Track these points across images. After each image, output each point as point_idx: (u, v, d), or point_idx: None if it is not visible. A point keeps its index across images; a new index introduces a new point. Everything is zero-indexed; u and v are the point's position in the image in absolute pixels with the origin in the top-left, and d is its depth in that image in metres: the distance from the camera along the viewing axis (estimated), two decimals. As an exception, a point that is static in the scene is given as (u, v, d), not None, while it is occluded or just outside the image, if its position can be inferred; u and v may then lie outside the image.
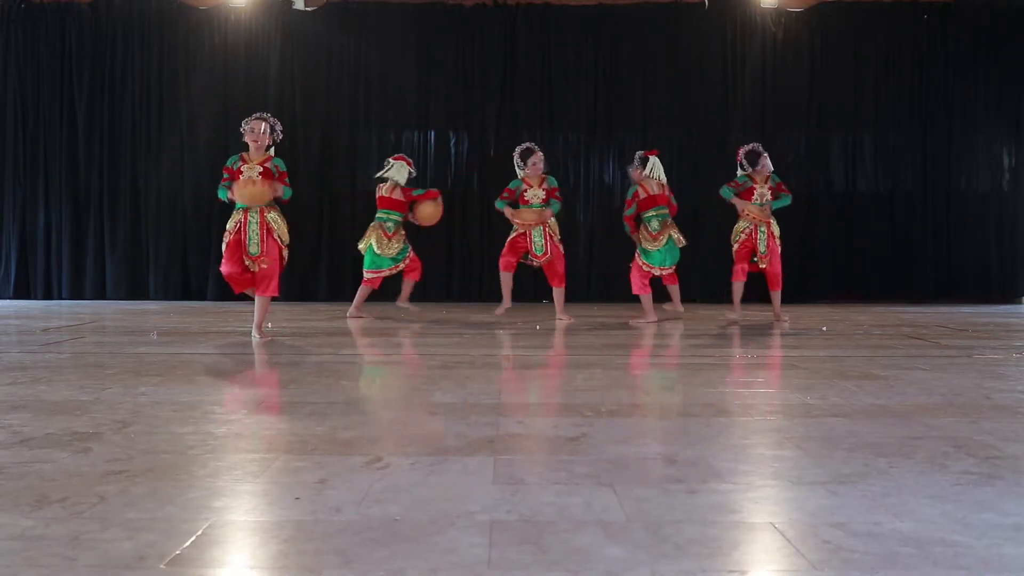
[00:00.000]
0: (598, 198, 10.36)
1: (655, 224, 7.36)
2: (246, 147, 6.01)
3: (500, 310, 7.57)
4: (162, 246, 10.15)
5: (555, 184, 7.62)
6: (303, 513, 2.09)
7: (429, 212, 7.82)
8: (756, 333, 6.74)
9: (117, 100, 10.17)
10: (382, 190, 7.79)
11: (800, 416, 3.33)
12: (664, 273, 7.47)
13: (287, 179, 5.91)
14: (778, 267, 7.30)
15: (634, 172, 7.68)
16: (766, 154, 7.39)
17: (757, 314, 8.01)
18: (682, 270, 10.17)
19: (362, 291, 7.81)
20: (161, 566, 1.76)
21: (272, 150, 6.04)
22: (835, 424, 3.15)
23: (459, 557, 1.81)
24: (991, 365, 4.80)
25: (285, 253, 5.97)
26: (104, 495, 2.22)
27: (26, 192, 10.17)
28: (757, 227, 7.23)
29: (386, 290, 8.39)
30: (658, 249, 7.34)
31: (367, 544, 1.88)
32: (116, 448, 2.73)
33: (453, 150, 10.39)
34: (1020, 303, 10.27)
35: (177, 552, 1.83)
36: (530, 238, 7.53)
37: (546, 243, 7.49)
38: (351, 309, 7.84)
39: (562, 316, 7.49)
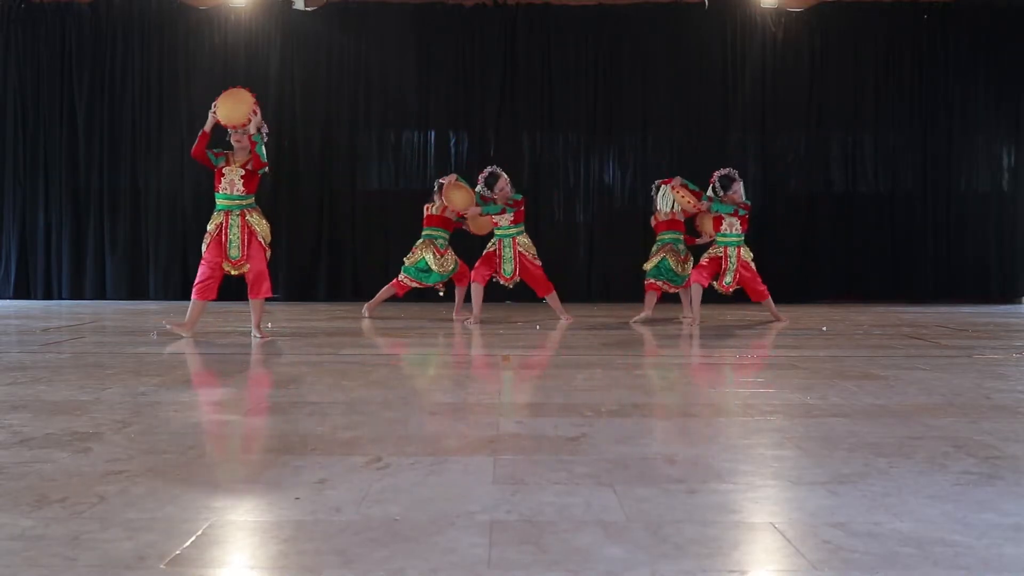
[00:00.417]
0: (598, 198, 10.36)
1: (681, 247, 7.71)
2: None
3: (473, 320, 7.23)
4: (162, 246, 10.16)
5: (518, 198, 7.45)
6: (303, 513, 2.09)
7: (460, 199, 7.59)
8: (756, 333, 6.74)
9: (117, 100, 10.17)
10: (431, 209, 7.75)
11: (800, 416, 3.33)
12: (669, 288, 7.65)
13: (261, 160, 5.89)
14: (757, 284, 7.30)
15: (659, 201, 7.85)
16: (741, 182, 7.46)
17: (757, 314, 8.01)
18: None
19: (386, 291, 7.80)
20: (161, 566, 1.76)
21: (261, 148, 5.94)
22: (835, 424, 3.15)
23: (459, 557, 1.81)
24: (991, 365, 4.80)
25: (268, 254, 5.98)
26: (104, 495, 2.22)
27: (26, 192, 10.17)
28: (727, 255, 7.20)
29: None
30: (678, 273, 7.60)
31: (367, 544, 1.88)
32: (116, 448, 2.73)
33: (453, 150, 10.39)
34: (1020, 303, 10.27)
35: (177, 552, 1.83)
36: (500, 256, 7.38)
37: (515, 264, 7.34)
38: (370, 307, 7.85)
39: (562, 316, 7.48)
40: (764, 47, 10.33)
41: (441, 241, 7.70)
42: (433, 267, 7.63)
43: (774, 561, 1.84)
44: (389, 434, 3.00)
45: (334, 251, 10.22)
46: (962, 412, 3.38)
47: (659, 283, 7.58)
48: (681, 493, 2.27)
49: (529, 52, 10.25)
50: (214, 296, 5.93)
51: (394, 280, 7.80)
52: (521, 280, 7.45)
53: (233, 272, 5.91)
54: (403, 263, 7.79)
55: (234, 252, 5.81)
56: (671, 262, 7.50)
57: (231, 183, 5.83)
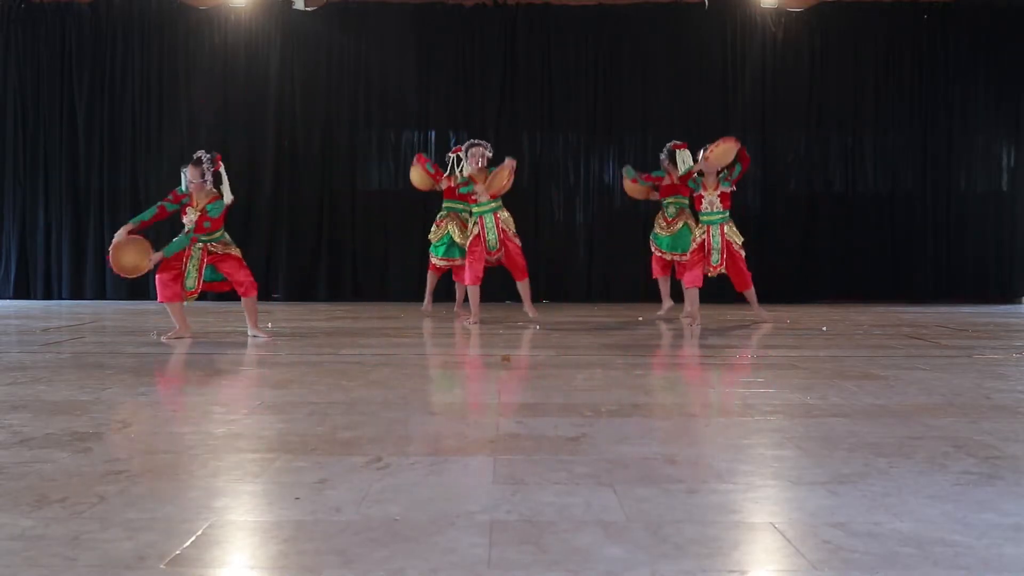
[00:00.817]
0: (598, 198, 10.36)
1: (672, 210, 7.73)
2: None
3: (472, 320, 7.13)
4: (162, 246, 10.12)
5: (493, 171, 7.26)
6: (303, 513, 2.09)
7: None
8: (756, 333, 6.74)
9: (117, 100, 10.17)
10: (452, 181, 7.64)
11: (800, 416, 3.33)
12: (676, 259, 7.64)
13: (217, 220, 5.82)
14: (743, 267, 7.13)
15: (663, 161, 7.82)
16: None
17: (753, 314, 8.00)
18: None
19: (432, 280, 7.84)
20: (161, 566, 1.76)
21: (222, 183, 5.91)
22: (835, 424, 3.15)
23: (459, 557, 1.81)
24: (991, 365, 4.80)
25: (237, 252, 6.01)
26: (104, 495, 2.22)
27: (26, 192, 10.17)
28: (710, 233, 7.01)
29: (387, 290, 8.38)
30: (671, 235, 7.67)
31: (367, 544, 1.88)
32: (116, 448, 2.73)
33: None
34: (1020, 303, 10.27)
35: (177, 552, 1.83)
36: (483, 233, 7.16)
37: (499, 237, 7.20)
38: (425, 305, 7.86)
39: (530, 311, 7.35)
40: (764, 47, 10.32)
41: (465, 214, 7.67)
42: (458, 241, 7.62)
43: (774, 561, 1.84)
44: (389, 434, 3.00)
45: (334, 251, 10.22)
46: (962, 412, 3.38)
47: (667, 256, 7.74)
48: (681, 493, 2.27)
49: (529, 52, 10.25)
50: (180, 298, 5.89)
51: (431, 267, 7.88)
52: (498, 262, 7.33)
53: (185, 301, 5.91)
54: (429, 243, 7.83)
55: (190, 283, 5.83)
56: (689, 226, 7.59)
57: (191, 222, 5.87)
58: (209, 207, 5.78)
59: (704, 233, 7.06)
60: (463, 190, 7.31)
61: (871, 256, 10.27)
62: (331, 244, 10.24)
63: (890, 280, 10.27)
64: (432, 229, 7.87)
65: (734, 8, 10.25)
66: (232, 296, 9.03)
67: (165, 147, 10.14)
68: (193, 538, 1.91)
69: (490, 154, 7.33)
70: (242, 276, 5.94)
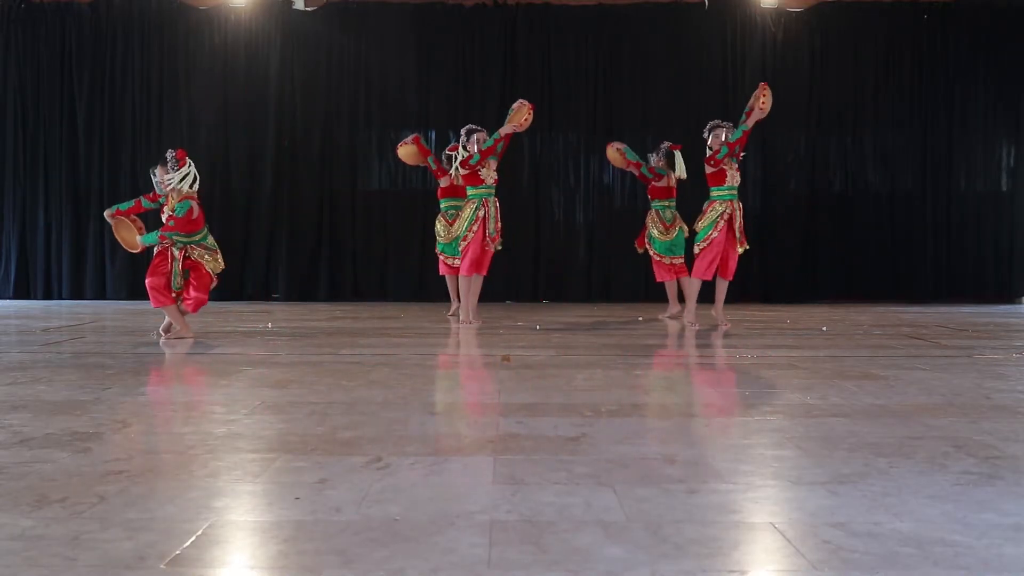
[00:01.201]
0: (598, 198, 10.36)
1: (668, 215, 7.69)
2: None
3: (465, 318, 7.07)
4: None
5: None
6: (303, 513, 2.09)
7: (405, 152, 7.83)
8: (755, 333, 6.73)
9: (117, 100, 10.17)
10: (453, 179, 7.53)
11: (800, 416, 3.33)
12: (676, 263, 7.62)
13: (182, 221, 5.73)
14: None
15: (658, 162, 7.79)
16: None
17: (756, 314, 8.01)
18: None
19: (452, 281, 7.73)
20: (161, 566, 1.76)
21: (187, 180, 5.80)
22: (835, 424, 3.15)
23: (459, 557, 1.81)
24: (991, 365, 4.80)
25: (214, 283, 5.99)
26: (104, 495, 2.22)
27: (26, 192, 10.17)
28: (735, 208, 6.82)
29: (385, 288, 8.35)
30: (669, 240, 7.63)
31: (367, 544, 1.88)
32: (116, 448, 2.73)
33: (453, 150, 10.38)
34: (1019, 303, 10.27)
35: (177, 552, 1.83)
36: (487, 215, 6.92)
37: (496, 226, 7.02)
38: (458, 310, 7.47)
39: (462, 314, 7.16)
40: (764, 47, 10.33)
41: (452, 212, 7.65)
42: (441, 236, 7.66)
43: (774, 561, 1.84)
44: (389, 434, 3.00)
45: (334, 251, 10.22)
46: (962, 412, 3.38)
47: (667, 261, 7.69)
48: (681, 493, 2.27)
49: (529, 52, 10.25)
50: (173, 301, 5.88)
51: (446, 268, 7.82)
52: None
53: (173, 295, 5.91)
54: (438, 243, 7.82)
55: (176, 283, 5.84)
56: (683, 230, 7.60)
57: (168, 219, 5.85)
58: (177, 206, 5.75)
59: (729, 209, 6.78)
60: (473, 166, 6.95)
61: (871, 256, 10.27)
62: (331, 244, 10.24)
63: (890, 280, 10.28)
64: (443, 228, 7.71)
65: (734, 8, 10.25)
66: (232, 296, 9.06)
67: (165, 147, 10.03)
68: (193, 538, 1.91)
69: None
70: (197, 292, 5.87)
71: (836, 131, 10.41)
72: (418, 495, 2.24)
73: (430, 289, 9.68)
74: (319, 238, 10.25)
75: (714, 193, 6.88)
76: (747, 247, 6.98)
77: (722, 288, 7.00)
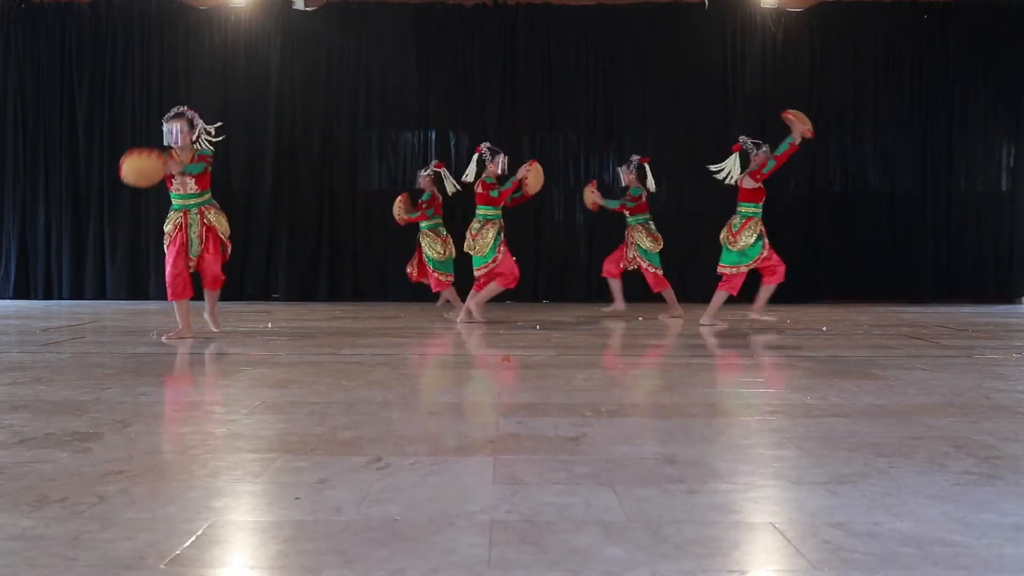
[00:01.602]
0: (598, 198, 10.35)
1: (653, 226, 7.84)
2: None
3: (466, 318, 7.20)
4: (162, 246, 10.14)
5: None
6: (303, 513, 2.09)
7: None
8: (755, 333, 6.73)
9: (117, 100, 10.17)
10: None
11: (800, 416, 3.33)
12: (659, 272, 7.79)
13: (209, 160, 5.76)
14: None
15: (628, 176, 7.81)
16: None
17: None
18: (681, 270, 10.24)
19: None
20: (161, 566, 1.76)
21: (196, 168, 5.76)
22: (835, 424, 3.15)
23: (459, 557, 1.81)
24: (991, 365, 4.80)
25: (228, 249, 5.99)
26: (104, 495, 2.22)
27: (26, 192, 10.17)
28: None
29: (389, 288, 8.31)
30: (658, 252, 7.81)
31: (367, 544, 1.88)
32: (116, 448, 2.73)
33: (453, 150, 10.38)
34: (1019, 303, 10.27)
35: (177, 552, 1.83)
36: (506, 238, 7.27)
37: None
38: (480, 309, 7.30)
39: (457, 309, 7.36)
40: (764, 47, 10.32)
41: (443, 229, 7.88)
42: (439, 254, 7.82)
43: (774, 561, 1.84)
44: (389, 434, 3.00)
45: (334, 251, 10.22)
46: (962, 412, 3.38)
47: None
48: (681, 493, 2.27)
49: (529, 52, 10.25)
50: (191, 293, 5.92)
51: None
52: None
53: (195, 268, 5.90)
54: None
55: (195, 249, 5.83)
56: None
57: (183, 183, 5.80)
58: (194, 165, 5.71)
59: (761, 228, 6.83)
60: (494, 187, 7.13)
61: (871, 256, 10.27)
62: (331, 244, 10.24)
63: (890, 280, 10.27)
64: (439, 246, 7.72)
65: (734, 8, 10.25)
66: (232, 296, 9.05)
67: (165, 147, 10.13)
68: (193, 538, 1.91)
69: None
70: (214, 276, 5.90)
71: (836, 131, 10.40)
72: (418, 495, 2.24)
73: (430, 289, 9.67)
74: (319, 238, 10.25)
75: (751, 209, 6.83)
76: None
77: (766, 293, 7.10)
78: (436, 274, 7.84)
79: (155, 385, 3.94)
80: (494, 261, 7.06)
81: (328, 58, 10.25)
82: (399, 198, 8.14)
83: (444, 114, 10.30)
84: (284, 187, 10.20)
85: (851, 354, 5.36)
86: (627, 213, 7.90)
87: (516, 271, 7.23)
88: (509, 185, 7.25)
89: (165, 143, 5.84)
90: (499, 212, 7.18)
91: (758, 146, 6.94)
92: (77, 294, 10.09)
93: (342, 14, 10.24)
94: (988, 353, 5.35)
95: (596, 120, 10.31)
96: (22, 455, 2.63)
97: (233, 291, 9.86)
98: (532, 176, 7.31)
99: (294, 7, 10.19)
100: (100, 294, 10.08)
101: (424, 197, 7.92)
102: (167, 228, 5.87)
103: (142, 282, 10.18)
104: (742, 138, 7.06)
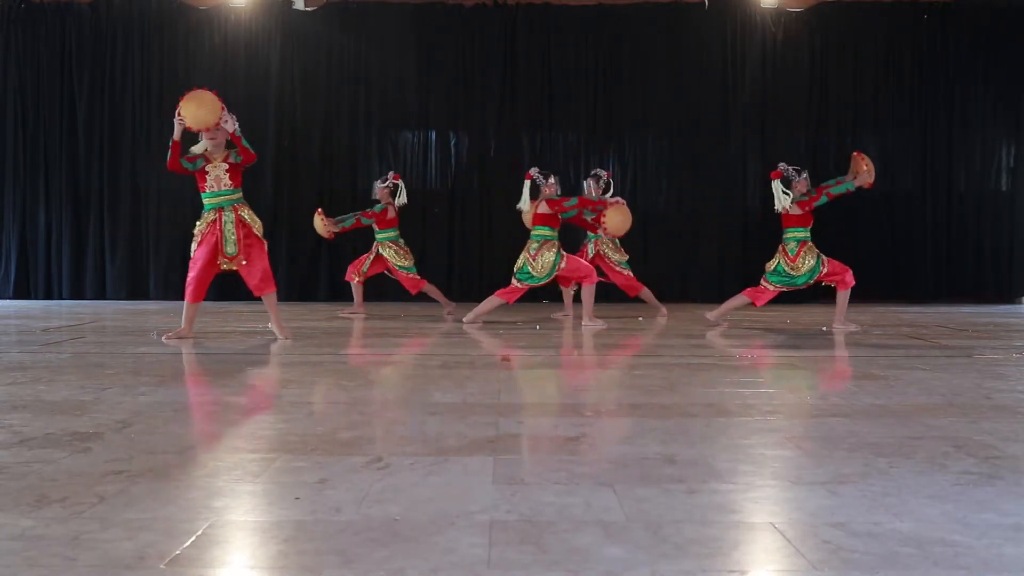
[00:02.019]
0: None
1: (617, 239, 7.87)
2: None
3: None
4: (162, 246, 10.16)
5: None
6: (303, 513, 2.09)
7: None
8: (755, 334, 6.74)
9: (117, 100, 10.17)
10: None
11: (800, 416, 3.33)
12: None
13: (250, 152, 5.71)
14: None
15: (598, 191, 7.75)
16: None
17: (757, 314, 8.00)
18: (682, 270, 10.24)
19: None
20: (161, 566, 1.76)
21: (247, 141, 5.73)
22: (835, 424, 3.15)
23: (459, 557, 1.81)
24: (991, 365, 4.80)
25: (264, 247, 5.93)
26: (104, 495, 2.22)
27: (26, 192, 10.18)
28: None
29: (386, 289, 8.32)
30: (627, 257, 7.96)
31: (367, 544, 1.88)
32: (116, 448, 2.73)
33: (453, 150, 10.39)
34: (1020, 303, 10.27)
35: (177, 552, 1.83)
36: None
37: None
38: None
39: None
40: (764, 47, 10.33)
41: (401, 240, 8.12)
42: (403, 261, 8.06)
43: (774, 561, 1.84)
44: (389, 434, 2.99)
45: (334, 251, 10.22)
46: (962, 412, 3.38)
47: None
48: (681, 493, 2.27)
49: (529, 52, 10.25)
50: (203, 296, 5.89)
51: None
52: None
53: (228, 267, 5.82)
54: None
55: (230, 248, 5.72)
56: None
57: (217, 179, 5.71)
58: (244, 143, 5.65)
59: (815, 249, 6.99)
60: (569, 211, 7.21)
61: (871, 256, 10.27)
62: (331, 244, 10.23)
63: (890, 280, 10.27)
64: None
65: (734, 8, 10.25)
66: (230, 296, 9.05)
67: (165, 147, 10.11)
68: (193, 538, 1.91)
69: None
70: (263, 271, 5.81)
71: (836, 131, 10.41)
72: (418, 495, 2.24)
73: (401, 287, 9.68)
74: (319, 238, 10.21)
75: (801, 234, 6.92)
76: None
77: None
78: (410, 276, 7.98)
79: (155, 385, 3.94)
80: (545, 279, 7.12)
81: (328, 58, 10.25)
82: (318, 214, 8.19)
83: (444, 114, 10.31)
84: (284, 187, 10.21)
85: (851, 354, 5.36)
86: (596, 222, 7.62)
87: (591, 268, 7.28)
88: (576, 200, 7.25)
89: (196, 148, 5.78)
90: (556, 233, 7.15)
91: (799, 172, 7.00)
92: (77, 294, 10.09)
93: (342, 14, 10.24)
94: (988, 353, 5.35)
95: (596, 120, 10.31)
96: (22, 455, 2.63)
97: (233, 291, 9.88)
98: (618, 216, 7.19)
99: (294, 7, 10.19)
100: (100, 294, 10.08)
101: (376, 208, 7.97)
102: (198, 228, 5.77)
103: (142, 282, 10.18)
104: (782, 165, 7.06)
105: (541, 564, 1.77)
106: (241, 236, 5.73)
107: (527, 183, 7.15)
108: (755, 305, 7.05)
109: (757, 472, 2.50)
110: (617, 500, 2.20)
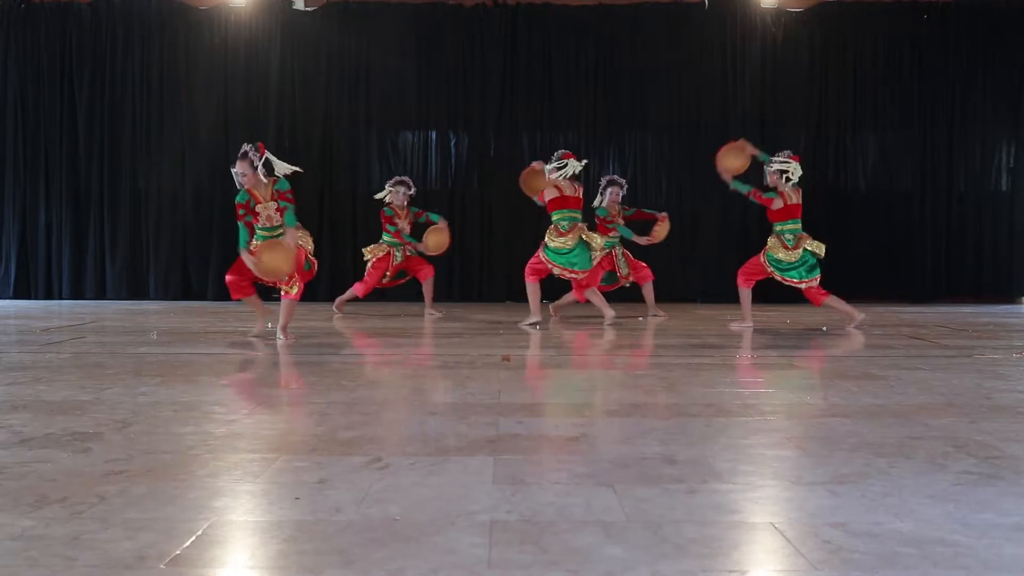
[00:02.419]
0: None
1: (564, 225, 7.19)
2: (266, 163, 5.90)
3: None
4: (162, 246, 10.15)
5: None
6: (303, 513, 2.09)
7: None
8: (755, 333, 6.73)
9: (117, 100, 10.17)
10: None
11: (800, 416, 3.33)
12: (574, 277, 7.24)
13: (290, 195, 5.79)
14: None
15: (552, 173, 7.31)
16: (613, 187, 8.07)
17: (757, 314, 8.00)
18: (682, 270, 10.22)
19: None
20: (161, 566, 1.76)
21: (275, 168, 5.82)
22: (835, 424, 3.15)
23: (459, 557, 1.81)
24: (991, 365, 4.80)
25: (314, 267, 6.14)
26: (104, 495, 2.22)
27: (26, 192, 10.17)
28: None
29: (394, 289, 8.31)
30: (567, 249, 7.16)
31: (367, 544, 1.88)
32: (116, 448, 2.73)
33: (453, 150, 10.39)
34: (1019, 303, 10.27)
35: (177, 552, 1.83)
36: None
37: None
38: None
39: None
40: (764, 47, 10.32)
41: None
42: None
43: (774, 561, 1.84)
44: (389, 434, 3.00)
45: (334, 251, 10.22)
46: (962, 412, 3.38)
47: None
48: (681, 493, 2.27)
49: (529, 52, 10.24)
50: (253, 290, 6.14)
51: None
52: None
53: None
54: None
55: (308, 263, 6.07)
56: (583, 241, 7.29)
57: (269, 218, 5.85)
58: (278, 186, 5.77)
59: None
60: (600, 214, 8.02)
61: (871, 256, 10.27)
62: (331, 244, 10.23)
63: (890, 280, 10.27)
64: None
65: (734, 8, 10.25)
66: (230, 296, 9.02)
67: (165, 147, 10.15)
68: (193, 538, 1.91)
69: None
70: (292, 275, 5.93)
71: (836, 131, 10.40)
72: (418, 495, 2.24)
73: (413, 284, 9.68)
74: (319, 238, 10.21)
75: (792, 225, 7.43)
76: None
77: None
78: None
79: (155, 385, 3.94)
80: (585, 272, 7.24)
81: (328, 58, 10.25)
82: (445, 230, 8.13)
83: (444, 114, 10.30)
84: (284, 187, 10.20)
85: (851, 354, 5.36)
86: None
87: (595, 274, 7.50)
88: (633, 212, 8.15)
89: (239, 187, 5.88)
90: (616, 239, 8.00)
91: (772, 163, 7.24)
92: (77, 294, 10.09)
93: (342, 14, 10.24)
94: (988, 353, 5.35)
95: (596, 120, 10.31)
96: (22, 455, 2.63)
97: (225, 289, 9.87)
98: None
99: (294, 7, 10.19)
100: (100, 294, 10.08)
101: (389, 212, 8.13)
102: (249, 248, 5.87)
103: (142, 282, 10.18)
104: (785, 152, 7.44)
105: (541, 564, 1.77)
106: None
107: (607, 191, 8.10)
108: (821, 301, 7.05)
109: (757, 472, 2.50)
110: (617, 500, 2.20)
